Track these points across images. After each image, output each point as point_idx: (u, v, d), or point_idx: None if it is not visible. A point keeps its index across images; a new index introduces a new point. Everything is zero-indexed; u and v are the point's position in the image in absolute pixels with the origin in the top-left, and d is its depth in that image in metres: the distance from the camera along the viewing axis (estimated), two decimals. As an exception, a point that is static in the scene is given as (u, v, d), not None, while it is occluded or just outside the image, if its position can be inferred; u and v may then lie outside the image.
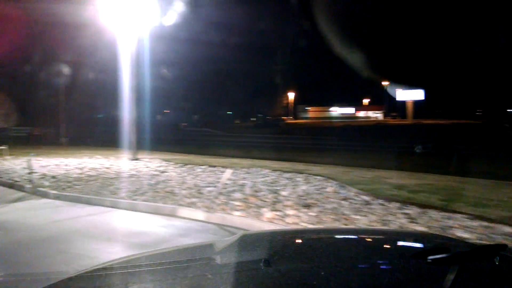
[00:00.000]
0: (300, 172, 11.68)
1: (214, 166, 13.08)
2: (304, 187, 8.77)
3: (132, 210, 7.58)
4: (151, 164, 14.03)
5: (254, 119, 68.10)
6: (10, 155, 17.11)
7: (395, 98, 71.82)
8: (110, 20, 15.51)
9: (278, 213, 6.54)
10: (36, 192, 9.44)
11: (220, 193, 8.11)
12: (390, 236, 2.09)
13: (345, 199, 7.53)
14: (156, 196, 8.15)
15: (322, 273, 1.39)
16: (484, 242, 4.91)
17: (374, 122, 64.63)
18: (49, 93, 34.20)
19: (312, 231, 2.80)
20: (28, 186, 9.79)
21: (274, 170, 12.26)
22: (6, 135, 28.08)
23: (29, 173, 10.64)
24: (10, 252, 5.20)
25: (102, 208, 7.84)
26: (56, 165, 13.80)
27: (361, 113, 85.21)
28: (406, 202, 7.25)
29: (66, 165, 13.80)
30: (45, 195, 9.14)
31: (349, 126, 50.81)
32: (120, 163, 14.49)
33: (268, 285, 1.32)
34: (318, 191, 8.32)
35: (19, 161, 15.13)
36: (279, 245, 1.77)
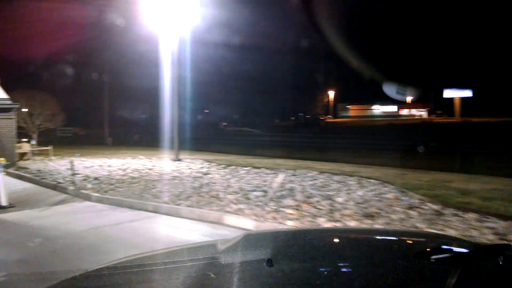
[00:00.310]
0: (350, 175, 10.88)
1: (258, 168, 12.50)
2: (360, 192, 7.97)
3: (176, 216, 7.09)
4: (193, 165, 13.64)
5: (293, 118, 67.06)
6: (55, 155, 17.33)
7: (441, 95, 68.56)
8: (152, 21, 15.33)
9: (337, 224, 5.81)
10: (79, 194, 9.20)
11: (269, 198, 7.49)
12: (393, 236, 2.07)
13: (410, 207, 6.68)
14: (201, 200, 7.63)
15: (325, 272, 1.39)
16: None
17: (419, 121, 61.94)
18: (93, 93, 34.99)
19: (315, 231, 2.74)
20: (71, 188, 9.58)
21: (321, 172, 11.51)
22: (53, 135, 28.89)
23: (72, 175, 10.48)
24: (46, 263, 4.80)
25: (145, 213, 7.41)
26: (100, 165, 13.70)
27: (405, 111, 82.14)
28: (483, 212, 6.32)
29: (109, 166, 13.66)
30: (87, 198, 8.87)
31: (393, 125, 48.82)
32: (163, 164, 14.21)
33: (271, 284, 1.32)
34: (377, 198, 7.51)
35: (64, 161, 15.20)
36: (282, 245, 1.75)
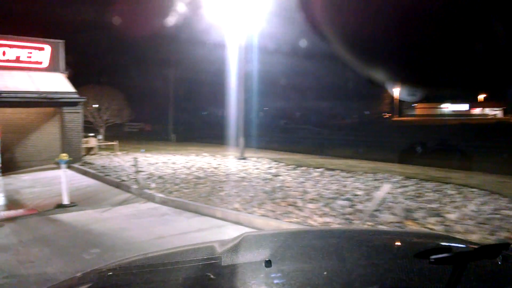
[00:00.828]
0: (443, 182, 9.32)
1: (332, 170, 11.24)
2: (471, 207, 6.49)
3: (248, 226, 6.09)
4: (260, 164, 12.67)
5: (355, 116, 64.39)
6: (121, 150, 17.19)
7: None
8: (220, 18, 14.62)
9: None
10: (142, 194, 8.55)
11: (358, 210, 6.27)
12: (392, 236, 2.05)
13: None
14: (277, 209, 6.58)
15: (325, 273, 1.40)
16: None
17: (493, 120, 56.69)
18: (159, 90, 35.43)
19: (314, 232, 2.55)
20: (134, 187, 8.97)
21: (407, 177, 10.02)
22: (120, 130, 29.46)
23: (136, 172, 9.90)
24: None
25: (213, 221, 6.50)
26: (164, 162, 13.15)
27: (477, 110, 76.13)
28: None
29: (173, 163, 13.08)
30: (151, 198, 8.18)
31: (466, 125, 44.85)
32: (228, 162, 13.40)
33: (270, 285, 1.32)
34: (497, 214, 6.01)
35: (129, 157, 14.90)
36: (281, 246, 1.74)
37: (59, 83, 13.67)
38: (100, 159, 14.31)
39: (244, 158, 14.16)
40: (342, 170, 11.15)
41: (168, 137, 32.06)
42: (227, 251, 1.64)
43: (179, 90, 35.83)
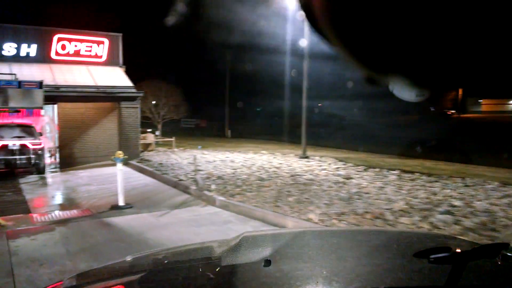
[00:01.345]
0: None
1: (410, 172, 9.88)
2: None
3: (328, 243, 5.06)
4: (325, 164, 11.56)
5: (419, 112, 60.85)
6: (178, 146, 16.73)
7: None
8: (285, 11, 13.67)
9: None
10: (201, 196, 7.77)
11: (468, 228, 5.03)
12: (392, 236, 2.02)
13: None
14: (361, 222, 5.47)
15: (324, 272, 1.38)
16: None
17: None
18: (214, 85, 35.18)
19: (314, 232, 2.42)
20: (193, 188, 8.22)
21: (502, 182, 8.50)
22: (175, 126, 29.41)
23: (194, 171, 9.18)
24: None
25: (285, 234, 5.53)
26: (222, 161, 12.40)
27: (557, 107, 69.41)
28: None
29: (232, 161, 12.29)
30: (211, 201, 7.37)
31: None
32: (290, 161, 12.40)
33: (269, 285, 1.31)
34: None
35: (186, 154, 14.35)
36: (281, 245, 1.71)
37: (117, 78, 13.34)
38: (158, 156, 13.84)
39: (306, 157, 13.11)
40: (421, 173, 9.78)
41: (223, 133, 31.72)
42: (226, 251, 1.62)
43: (239, 87, 35.34)
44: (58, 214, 7.10)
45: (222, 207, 7.08)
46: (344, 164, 11.58)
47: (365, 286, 1.27)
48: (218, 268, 1.46)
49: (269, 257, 1.40)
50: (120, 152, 7.39)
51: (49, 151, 14.24)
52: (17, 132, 11.42)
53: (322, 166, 11.18)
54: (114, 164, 12.59)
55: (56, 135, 13.43)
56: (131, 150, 12.58)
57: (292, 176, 9.45)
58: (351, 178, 9.08)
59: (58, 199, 8.92)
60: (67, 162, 12.55)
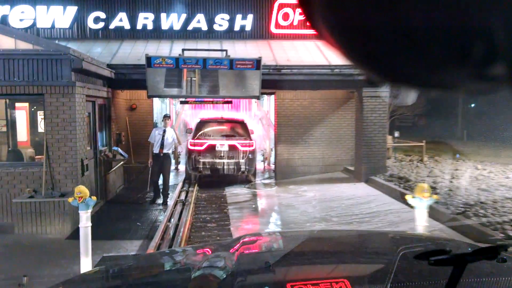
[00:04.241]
0: None
1: None
2: None
3: None
4: None
5: None
6: (427, 155, 11.74)
7: None
8: None
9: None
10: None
11: None
12: (392, 238, 2.02)
13: None
14: None
15: (324, 273, 1.40)
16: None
17: None
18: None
19: (314, 234, 2.47)
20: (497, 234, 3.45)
21: None
22: (392, 124, 24.51)
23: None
24: None
25: None
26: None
27: None
28: None
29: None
30: None
31: None
32: None
33: (269, 285, 1.33)
34: None
35: (449, 167, 9.40)
36: (281, 247, 1.74)
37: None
38: (408, 170, 9.29)
39: None
40: None
41: (456, 134, 25.41)
42: (226, 252, 1.61)
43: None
44: None
45: None
46: None
47: (365, 287, 1.32)
48: (218, 269, 1.47)
49: (269, 259, 1.42)
50: (422, 186, 3.17)
51: (262, 155, 11.45)
52: (226, 130, 8.78)
53: None
54: (347, 177, 8.71)
55: (272, 135, 10.42)
56: (375, 160, 8.45)
57: None
58: None
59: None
60: (284, 171, 9.31)
